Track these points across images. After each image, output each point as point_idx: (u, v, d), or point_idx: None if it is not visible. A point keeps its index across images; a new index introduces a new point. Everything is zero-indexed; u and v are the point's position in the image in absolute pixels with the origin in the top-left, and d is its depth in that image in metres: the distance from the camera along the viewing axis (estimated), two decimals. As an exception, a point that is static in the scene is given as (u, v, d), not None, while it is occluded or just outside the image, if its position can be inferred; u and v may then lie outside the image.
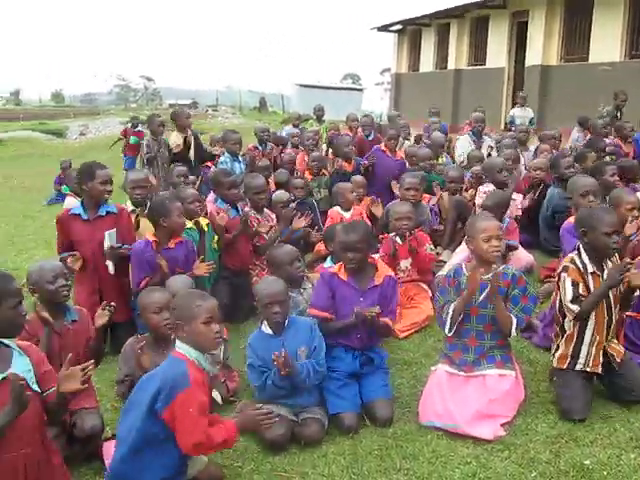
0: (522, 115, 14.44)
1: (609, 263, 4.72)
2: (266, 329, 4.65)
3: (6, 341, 3.45)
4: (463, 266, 4.81)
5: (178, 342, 3.71)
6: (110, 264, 5.83)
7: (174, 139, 10.01)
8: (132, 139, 16.35)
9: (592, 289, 4.61)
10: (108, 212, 5.97)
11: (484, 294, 4.57)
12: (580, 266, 4.66)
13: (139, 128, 17.03)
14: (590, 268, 4.64)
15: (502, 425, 4.42)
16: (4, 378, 3.29)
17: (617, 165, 7.88)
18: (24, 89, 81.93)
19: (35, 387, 3.41)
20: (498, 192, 7.23)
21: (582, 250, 4.72)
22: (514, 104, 17.23)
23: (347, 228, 5.02)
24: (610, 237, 4.57)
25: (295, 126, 14.21)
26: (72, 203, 8.47)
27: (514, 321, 4.56)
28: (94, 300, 5.68)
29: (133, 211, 6.80)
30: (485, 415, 4.41)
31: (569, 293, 4.58)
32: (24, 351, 3.47)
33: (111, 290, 5.87)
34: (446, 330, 4.70)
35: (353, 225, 5.14)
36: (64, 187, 13.08)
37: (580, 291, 4.58)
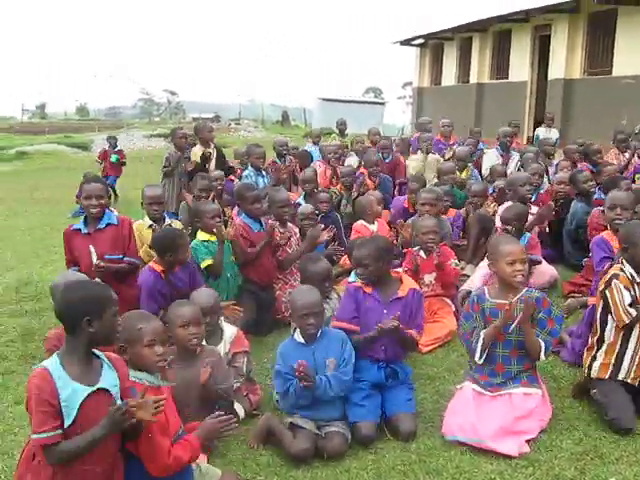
0: (546, 136, 14.24)
1: None
2: (298, 338, 4.67)
3: (97, 352, 3.45)
4: (486, 291, 4.79)
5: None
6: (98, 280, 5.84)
7: (196, 152, 10.06)
8: (113, 157, 16.38)
9: (638, 298, 4.66)
10: (108, 224, 6.00)
11: (516, 322, 4.53)
12: (629, 275, 4.72)
13: (119, 147, 17.11)
14: (637, 278, 4.71)
15: (527, 442, 4.39)
16: (95, 390, 3.31)
17: None
18: (49, 103, 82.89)
19: (120, 403, 3.40)
20: (517, 205, 7.22)
21: (625, 263, 4.78)
22: (539, 123, 17.14)
23: (360, 243, 5.13)
24: None
25: (315, 143, 14.08)
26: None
27: (543, 346, 4.55)
28: None
29: (151, 226, 6.88)
30: (510, 431, 4.39)
31: (627, 297, 4.63)
32: (113, 364, 3.47)
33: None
34: (476, 358, 4.68)
35: (367, 240, 5.21)
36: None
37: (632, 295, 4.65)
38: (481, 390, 4.66)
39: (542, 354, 4.58)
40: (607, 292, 4.73)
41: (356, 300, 4.92)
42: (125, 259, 6.00)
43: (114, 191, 15.27)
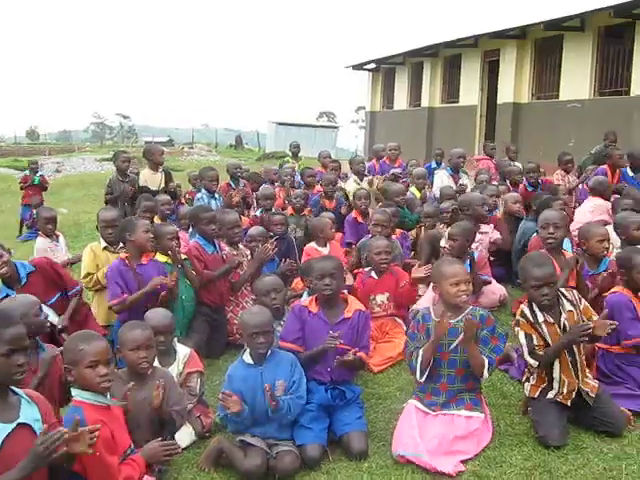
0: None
1: (566, 306, 4.76)
2: (247, 359, 4.66)
3: (14, 389, 3.30)
4: (431, 310, 4.83)
5: (72, 389, 3.65)
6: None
7: (145, 176, 9.94)
8: (36, 179, 16.07)
9: (548, 338, 4.70)
10: (29, 274, 5.80)
11: (457, 341, 4.58)
12: (530, 317, 4.74)
13: (40, 172, 16.76)
14: (541, 317, 4.72)
15: (462, 462, 4.41)
16: (16, 427, 3.17)
17: None
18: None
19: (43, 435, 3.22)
20: (465, 222, 7.30)
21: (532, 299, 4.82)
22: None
23: (323, 258, 5.27)
24: (538, 290, 4.67)
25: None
26: (44, 243, 8.38)
27: (486, 363, 4.58)
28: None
29: (105, 248, 6.84)
30: (448, 451, 4.42)
31: (525, 347, 4.70)
32: (32, 400, 3.33)
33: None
34: (417, 377, 4.70)
35: (327, 256, 5.39)
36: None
37: (535, 342, 4.68)
38: (424, 409, 4.69)
39: (485, 371, 4.59)
40: (517, 336, 4.81)
41: (301, 320, 4.96)
42: (69, 294, 5.97)
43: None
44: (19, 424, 3.20)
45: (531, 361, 4.67)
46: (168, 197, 8.95)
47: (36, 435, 3.21)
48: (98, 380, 3.62)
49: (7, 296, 5.64)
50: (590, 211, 8.34)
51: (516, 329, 4.79)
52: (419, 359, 4.63)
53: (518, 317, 4.81)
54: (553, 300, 4.71)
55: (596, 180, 9.00)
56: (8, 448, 3.12)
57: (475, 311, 4.74)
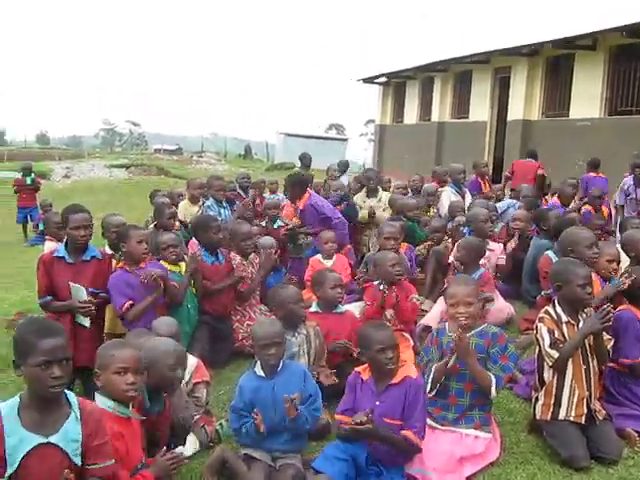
0: None
1: (584, 315, 4.84)
2: (259, 371, 4.57)
3: (72, 399, 3.22)
4: (446, 326, 4.85)
5: (96, 394, 3.61)
6: (85, 319, 5.64)
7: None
8: (28, 179, 16.13)
9: (567, 337, 4.74)
10: (93, 257, 5.83)
11: (452, 359, 4.57)
12: (554, 316, 4.82)
13: (33, 176, 16.70)
14: (564, 318, 4.80)
15: (467, 478, 4.40)
16: (46, 443, 3.10)
17: None
18: (9, 130, 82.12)
19: (77, 460, 3.18)
20: (474, 239, 7.29)
21: (557, 303, 4.89)
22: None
23: (379, 326, 4.63)
24: (584, 288, 4.74)
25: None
26: (52, 246, 8.34)
27: (493, 380, 4.56)
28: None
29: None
30: (453, 470, 4.39)
31: (547, 339, 4.73)
32: (83, 417, 3.20)
33: (85, 335, 5.60)
34: (427, 390, 4.66)
35: (382, 324, 4.78)
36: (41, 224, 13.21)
37: (556, 336, 4.73)
38: (433, 424, 4.67)
39: (493, 389, 4.57)
40: (537, 336, 4.85)
41: (354, 388, 4.49)
42: (102, 295, 5.83)
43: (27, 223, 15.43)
44: (48, 442, 3.12)
45: (551, 352, 4.69)
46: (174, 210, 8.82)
47: (66, 456, 3.14)
48: (124, 387, 3.56)
49: (62, 258, 5.73)
50: None
51: (539, 325, 4.83)
52: (431, 375, 4.65)
53: (542, 315, 4.88)
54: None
55: None
56: (29, 463, 3.06)
57: (488, 328, 4.76)
